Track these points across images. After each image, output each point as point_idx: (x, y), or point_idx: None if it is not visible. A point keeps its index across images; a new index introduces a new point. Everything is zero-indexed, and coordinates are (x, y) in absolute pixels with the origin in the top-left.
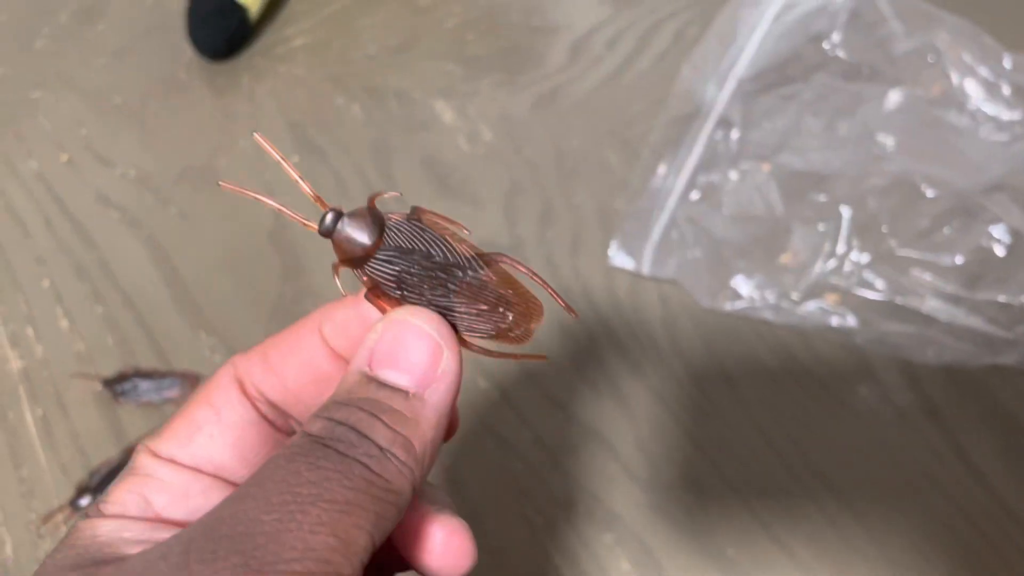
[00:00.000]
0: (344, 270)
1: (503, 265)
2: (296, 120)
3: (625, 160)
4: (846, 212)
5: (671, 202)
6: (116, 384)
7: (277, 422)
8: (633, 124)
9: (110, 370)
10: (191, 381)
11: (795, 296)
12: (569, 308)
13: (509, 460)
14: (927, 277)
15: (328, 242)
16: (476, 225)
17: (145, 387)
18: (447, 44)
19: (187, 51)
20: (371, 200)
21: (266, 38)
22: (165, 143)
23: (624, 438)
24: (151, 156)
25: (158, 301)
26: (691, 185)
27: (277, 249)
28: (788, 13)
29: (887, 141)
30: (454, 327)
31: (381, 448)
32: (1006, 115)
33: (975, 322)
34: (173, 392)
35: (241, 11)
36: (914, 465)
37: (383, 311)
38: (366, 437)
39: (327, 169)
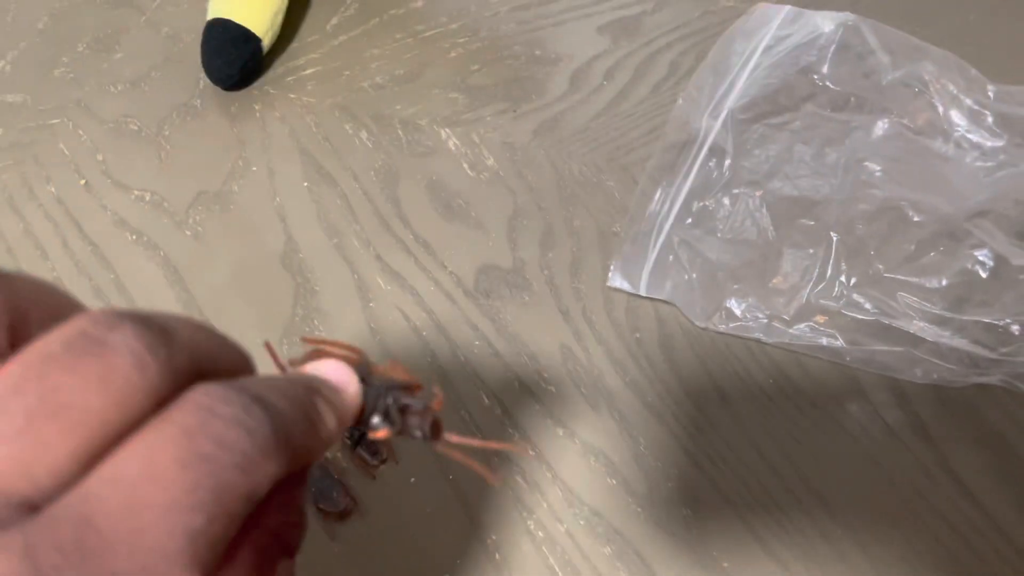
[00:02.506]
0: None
1: (450, 439)
2: (306, 146)
3: (623, 185)
4: (835, 236)
5: (667, 226)
6: None
7: None
8: (631, 151)
9: None
10: None
11: (786, 317)
12: (490, 476)
13: (512, 475)
14: (914, 299)
15: (338, 264)
16: (480, 248)
17: None
18: (452, 74)
19: (202, 80)
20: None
21: (278, 67)
22: (180, 168)
23: (623, 454)
24: (166, 181)
25: None
26: (686, 210)
27: (288, 271)
28: (779, 45)
29: (874, 169)
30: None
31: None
32: (990, 143)
33: (961, 342)
34: None
35: (254, 41)
36: (904, 481)
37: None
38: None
39: (336, 194)
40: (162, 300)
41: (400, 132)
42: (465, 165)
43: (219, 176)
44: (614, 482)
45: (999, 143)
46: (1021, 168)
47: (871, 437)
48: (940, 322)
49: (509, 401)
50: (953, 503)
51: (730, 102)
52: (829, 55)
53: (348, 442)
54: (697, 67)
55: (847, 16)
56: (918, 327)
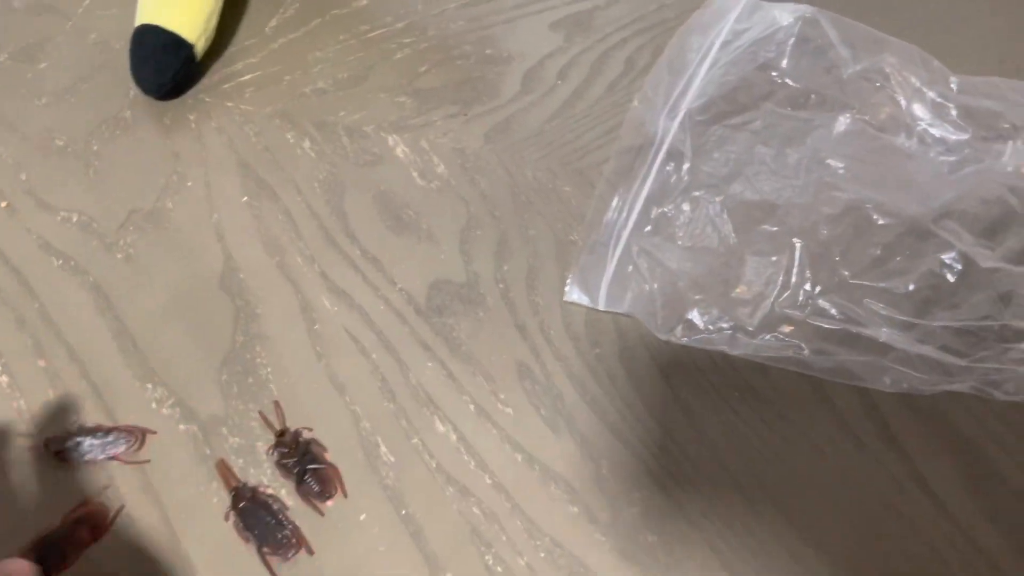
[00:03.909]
0: None
1: None
2: (245, 158)
3: (580, 190)
4: (798, 243)
5: (625, 235)
6: (58, 443)
7: None
8: (587, 154)
9: (52, 429)
10: (138, 437)
11: (751, 327)
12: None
13: (468, 506)
14: (880, 305)
15: (280, 284)
16: (432, 262)
17: (89, 445)
18: (399, 76)
19: (132, 90)
20: None
21: (213, 74)
22: (110, 186)
23: (584, 478)
24: (95, 200)
25: (103, 352)
26: (644, 217)
27: (228, 294)
28: (737, 40)
29: (837, 169)
30: None
31: None
32: (954, 137)
33: (929, 350)
34: (119, 449)
35: (186, 47)
36: (875, 494)
37: None
38: None
39: (278, 208)
40: (92, 329)
41: (345, 140)
42: (414, 173)
43: (152, 193)
44: (576, 510)
45: (964, 136)
46: (986, 164)
47: (840, 450)
48: (908, 328)
49: (464, 427)
50: (924, 515)
51: (687, 102)
52: (788, 50)
53: (294, 477)
54: (654, 63)
55: (805, 8)
56: (886, 334)
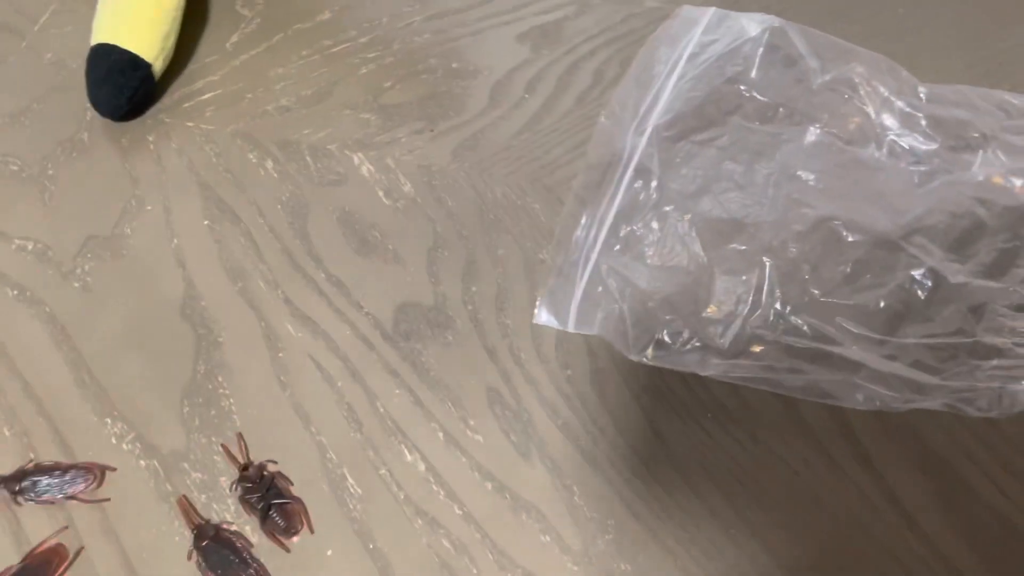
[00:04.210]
0: None
1: None
2: (206, 180)
3: (549, 207)
4: (768, 261)
5: (594, 255)
6: (14, 482)
7: None
8: (556, 169)
9: (7, 467)
10: (97, 474)
11: (722, 347)
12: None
13: (438, 539)
14: (851, 323)
15: (243, 311)
16: (398, 284)
17: (46, 484)
18: (363, 92)
19: (89, 111)
20: None
21: (173, 93)
22: (66, 211)
23: (555, 507)
24: (51, 226)
25: (60, 386)
26: (613, 235)
27: (189, 322)
28: (704, 52)
29: (806, 184)
30: None
31: None
32: (923, 147)
33: (901, 367)
34: (77, 487)
35: (144, 67)
36: (848, 516)
37: None
38: None
39: (239, 231)
40: (48, 362)
41: (308, 159)
42: (380, 193)
43: (110, 218)
44: (547, 539)
45: (933, 146)
46: (955, 175)
47: (813, 470)
48: (879, 345)
49: (433, 455)
50: (899, 536)
51: (655, 117)
52: (756, 62)
53: (258, 513)
54: (623, 74)
55: (772, 19)
56: (857, 352)
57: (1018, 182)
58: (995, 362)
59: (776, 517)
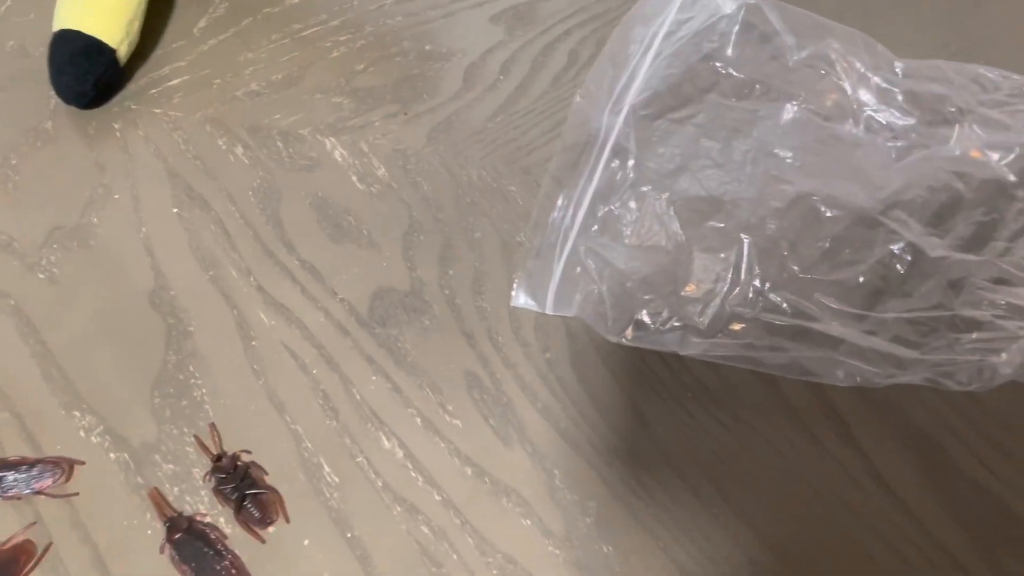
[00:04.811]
0: None
1: None
2: (175, 167)
3: (526, 189)
4: (746, 239)
5: (572, 236)
6: None
7: None
8: (532, 151)
9: None
10: (65, 468)
11: (702, 326)
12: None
13: (417, 525)
14: (831, 299)
15: (214, 300)
16: (374, 270)
17: (12, 479)
18: (335, 76)
19: (53, 99)
20: None
21: (140, 79)
22: (31, 202)
23: (536, 490)
24: (15, 217)
25: (26, 380)
26: (591, 216)
27: (159, 312)
28: (680, 30)
29: (784, 161)
30: None
31: None
32: (900, 122)
33: (880, 341)
34: (45, 482)
35: (108, 53)
36: (831, 494)
37: None
38: None
39: (210, 219)
40: (15, 356)
41: (280, 144)
42: (354, 177)
43: (76, 208)
44: (528, 523)
45: (910, 121)
46: (933, 149)
47: (796, 448)
48: (859, 321)
49: (411, 441)
50: (883, 513)
51: (631, 96)
52: (732, 39)
53: (232, 504)
54: (598, 54)
55: None
56: (837, 328)
57: (995, 155)
58: (975, 335)
59: (759, 496)
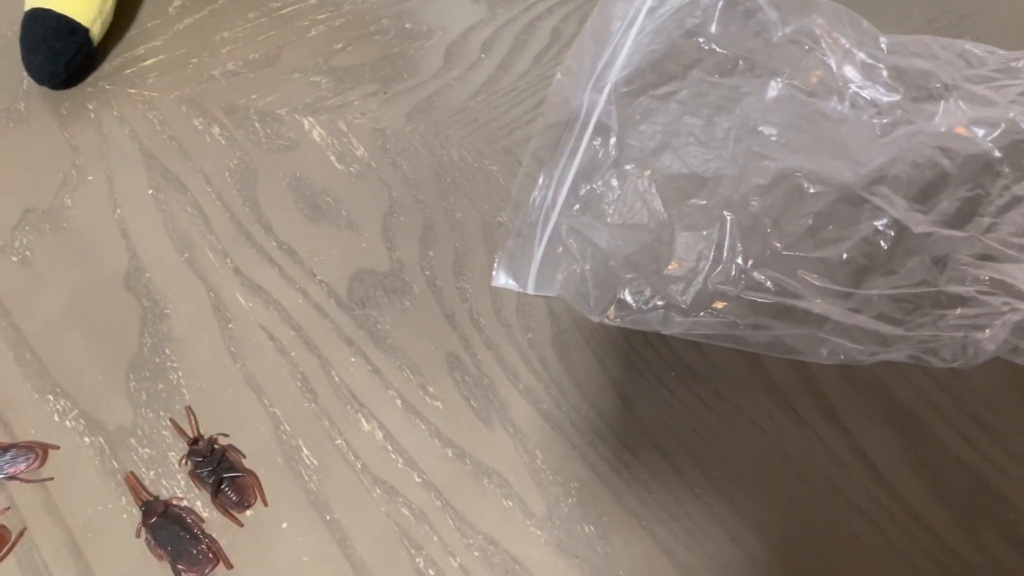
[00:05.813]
0: None
1: None
2: (150, 148)
3: (507, 169)
4: (728, 216)
5: (554, 215)
6: None
7: None
8: (514, 130)
9: None
10: (39, 453)
11: (684, 305)
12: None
13: (397, 507)
14: (815, 276)
15: (190, 282)
16: (353, 251)
17: None
18: (313, 55)
19: (25, 80)
20: None
21: (114, 59)
22: (3, 184)
23: (518, 471)
24: None
25: None
26: (573, 195)
27: (133, 294)
28: (663, 6)
29: (767, 137)
30: None
31: None
32: (885, 98)
33: (864, 319)
34: (18, 467)
35: (81, 32)
36: (815, 472)
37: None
38: None
39: (186, 200)
40: None
41: (257, 125)
42: (332, 158)
43: (49, 190)
44: (510, 504)
45: (895, 97)
46: (918, 125)
47: (779, 426)
48: (843, 298)
49: (391, 423)
50: (867, 491)
51: (613, 74)
52: (715, 15)
53: (209, 486)
54: (577, 35)
55: None
56: (821, 305)
57: (980, 131)
58: (959, 311)
59: (743, 475)
